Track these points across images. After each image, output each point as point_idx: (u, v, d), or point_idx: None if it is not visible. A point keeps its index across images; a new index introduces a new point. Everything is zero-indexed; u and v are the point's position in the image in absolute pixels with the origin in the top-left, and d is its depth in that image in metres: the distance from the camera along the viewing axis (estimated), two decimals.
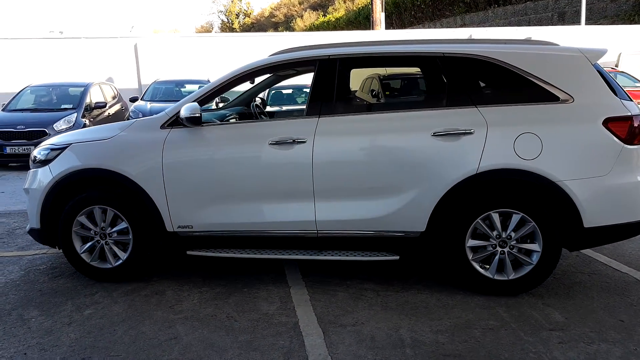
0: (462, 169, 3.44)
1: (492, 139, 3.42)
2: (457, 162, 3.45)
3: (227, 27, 63.63)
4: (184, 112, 3.59)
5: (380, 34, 16.37)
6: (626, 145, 3.41)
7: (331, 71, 3.68)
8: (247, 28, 61.85)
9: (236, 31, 58.69)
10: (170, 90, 11.67)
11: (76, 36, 15.15)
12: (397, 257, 3.63)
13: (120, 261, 3.87)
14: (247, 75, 3.79)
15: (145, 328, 3.21)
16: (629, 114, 3.42)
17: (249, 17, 66.46)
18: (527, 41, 3.81)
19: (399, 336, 3.06)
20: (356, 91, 3.86)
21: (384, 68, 4.19)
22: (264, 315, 3.35)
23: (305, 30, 50.80)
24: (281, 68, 3.95)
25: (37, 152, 4.01)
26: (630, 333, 3.05)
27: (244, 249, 3.79)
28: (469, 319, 3.26)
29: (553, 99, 3.47)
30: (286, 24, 58.61)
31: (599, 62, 3.58)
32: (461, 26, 32.69)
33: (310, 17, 56.06)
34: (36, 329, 3.22)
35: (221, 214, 3.71)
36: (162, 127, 3.75)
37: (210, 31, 63.56)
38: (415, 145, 3.50)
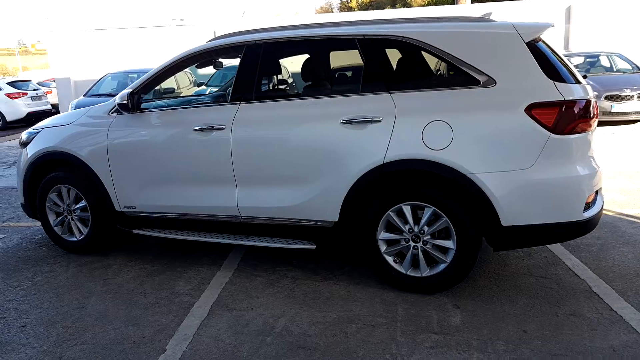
0: (369, 158, 3.28)
1: (399, 128, 3.21)
2: (364, 152, 3.29)
3: (345, 7, 63.77)
4: (117, 100, 3.84)
5: (464, 9, 15.46)
6: (554, 135, 3.01)
7: (255, 56, 3.68)
8: (365, 7, 61.25)
9: (354, 10, 58.53)
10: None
11: (162, 25, 16.34)
12: (314, 247, 3.58)
13: (83, 235, 4.28)
14: (182, 63, 3.92)
15: (68, 297, 3.55)
16: (559, 99, 3.00)
17: None
18: (460, 18, 3.45)
19: (273, 324, 3.06)
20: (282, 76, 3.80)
21: (309, 54, 4.05)
22: (172, 294, 3.53)
23: (423, 5, 49.11)
24: (215, 54, 4.02)
25: (23, 135, 4.54)
26: (519, 346, 2.74)
27: (180, 231, 3.98)
28: (359, 313, 3.15)
29: (473, 82, 3.15)
30: (403, 0, 57.07)
31: None
32: None
33: None
34: None
35: (157, 197, 3.92)
36: (110, 113, 4.04)
37: (330, 12, 64.16)
38: (325, 133, 3.40)
